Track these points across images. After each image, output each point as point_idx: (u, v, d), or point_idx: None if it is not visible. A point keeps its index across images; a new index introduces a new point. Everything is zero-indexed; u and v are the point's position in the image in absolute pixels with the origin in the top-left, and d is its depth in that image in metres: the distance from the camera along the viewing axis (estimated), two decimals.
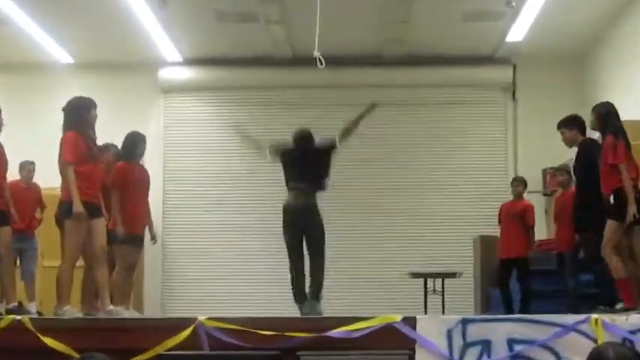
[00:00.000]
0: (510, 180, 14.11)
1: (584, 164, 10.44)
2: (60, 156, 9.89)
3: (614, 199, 9.59)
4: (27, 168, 12.62)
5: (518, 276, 12.61)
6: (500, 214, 13.34)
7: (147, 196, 11.44)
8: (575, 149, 10.81)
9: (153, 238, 11.76)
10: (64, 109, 10.10)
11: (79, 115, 9.97)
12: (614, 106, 10.38)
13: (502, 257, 12.89)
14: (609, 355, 4.14)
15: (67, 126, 9.97)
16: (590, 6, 15.16)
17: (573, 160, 10.86)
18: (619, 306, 9.59)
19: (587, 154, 10.42)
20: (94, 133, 10.57)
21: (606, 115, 10.17)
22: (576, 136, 10.59)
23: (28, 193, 12.57)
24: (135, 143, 11.07)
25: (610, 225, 9.65)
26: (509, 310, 12.25)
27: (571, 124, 10.67)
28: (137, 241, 11.18)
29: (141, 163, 11.46)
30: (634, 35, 14.86)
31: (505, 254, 12.82)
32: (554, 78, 17.64)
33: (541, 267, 12.82)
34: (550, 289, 12.47)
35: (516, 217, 12.92)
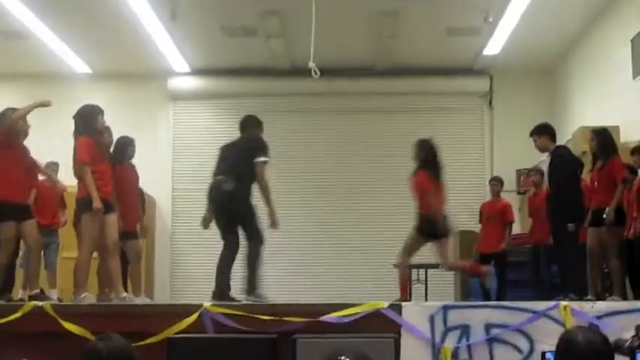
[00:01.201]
0: (488, 180, 14.10)
1: (559, 170, 10.52)
2: (76, 159, 9.88)
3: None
4: (51, 168, 12.59)
5: (496, 268, 12.60)
6: (481, 213, 13.32)
7: (137, 194, 11.47)
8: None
9: (143, 230, 11.83)
10: (74, 117, 10.09)
11: (87, 122, 9.96)
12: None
13: (483, 251, 12.88)
14: (578, 338, 4.13)
15: (79, 132, 9.96)
16: (559, 24, 15.18)
17: (547, 165, 10.89)
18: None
19: (561, 161, 10.49)
20: (110, 135, 10.60)
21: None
22: (547, 143, 10.60)
23: (52, 192, 12.55)
24: (124, 147, 11.02)
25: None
26: (487, 297, 12.26)
27: (542, 131, 10.68)
28: (134, 235, 11.19)
29: (132, 163, 11.40)
30: (598, 51, 14.90)
31: (487, 249, 12.80)
32: (527, 88, 17.70)
33: (515, 259, 12.82)
34: (523, 279, 12.52)
35: (497, 215, 12.91)
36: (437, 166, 11.08)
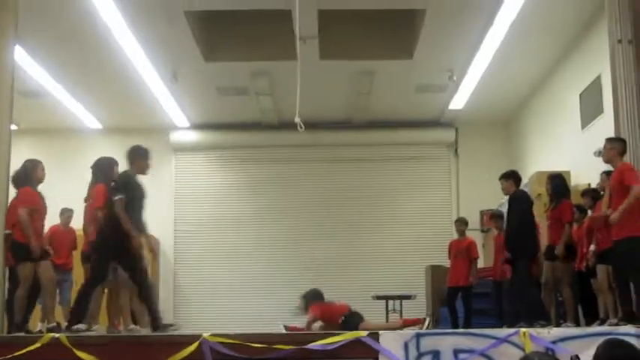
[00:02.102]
0: (454, 220, 14.10)
1: (516, 210, 10.61)
2: (90, 204, 9.88)
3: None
4: (66, 214, 12.54)
5: (463, 299, 12.59)
6: (449, 250, 13.30)
7: None
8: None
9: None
10: (92, 167, 10.09)
11: (105, 172, 9.95)
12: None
13: (451, 285, 12.86)
14: None
15: (96, 180, 9.95)
16: (516, 81, 15.35)
17: (506, 205, 10.97)
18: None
19: (518, 202, 10.61)
20: None
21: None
22: (510, 187, 10.69)
23: (66, 235, 12.50)
24: (111, 167, 10.62)
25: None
26: (455, 325, 12.23)
27: (508, 176, 10.79)
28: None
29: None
30: (551, 104, 15.03)
31: (454, 283, 12.78)
32: (489, 138, 17.84)
33: (479, 290, 12.79)
34: (486, 308, 12.51)
35: (463, 252, 12.89)
36: None
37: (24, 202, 9.80)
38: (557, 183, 10.76)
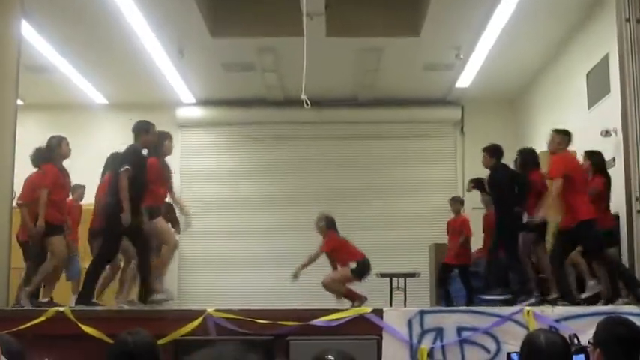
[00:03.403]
0: (449, 199, 14.02)
1: (496, 187, 10.70)
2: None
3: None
4: (79, 190, 12.53)
5: (461, 278, 12.61)
6: (447, 228, 13.35)
7: None
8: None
9: None
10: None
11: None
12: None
13: (445, 261, 12.89)
14: (540, 339, 4.14)
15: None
16: (523, 59, 15.28)
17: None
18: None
19: (496, 176, 10.78)
20: None
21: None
22: (490, 160, 10.74)
23: (76, 209, 12.54)
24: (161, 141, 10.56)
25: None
26: (449, 301, 12.32)
27: (489, 150, 10.84)
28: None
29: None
30: (558, 83, 14.97)
31: (449, 260, 12.82)
32: (495, 117, 17.75)
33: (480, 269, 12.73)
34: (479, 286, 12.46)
35: (457, 230, 12.91)
36: None
37: (45, 181, 9.84)
38: (524, 156, 10.84)
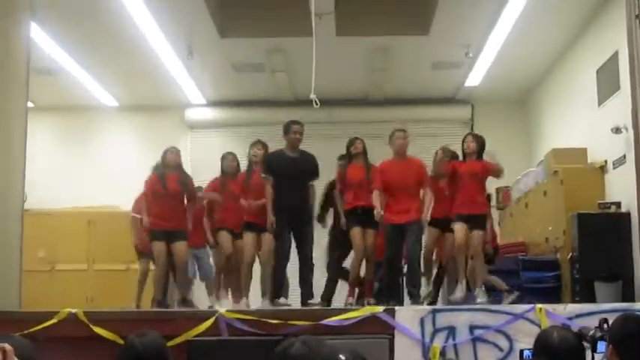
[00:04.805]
0: None
1: None
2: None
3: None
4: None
5: None
6: None
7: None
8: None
9: None
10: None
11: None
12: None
13: None
14: (554, 336, 4.13)
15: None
16: (532, 57, 15.22)
17: None
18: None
19: None
20: None
21: None
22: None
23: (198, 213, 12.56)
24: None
25: None
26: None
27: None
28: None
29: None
30: (567, 80, 14.91)
31: None
32: (504, 115, 17.67)
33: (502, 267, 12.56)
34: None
35: None
36: None
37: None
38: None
